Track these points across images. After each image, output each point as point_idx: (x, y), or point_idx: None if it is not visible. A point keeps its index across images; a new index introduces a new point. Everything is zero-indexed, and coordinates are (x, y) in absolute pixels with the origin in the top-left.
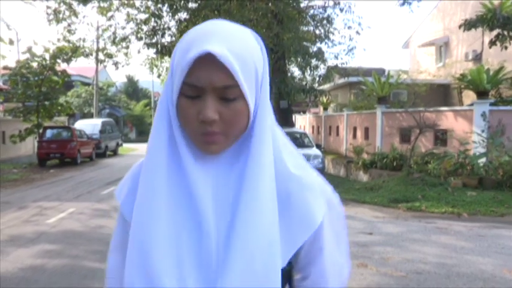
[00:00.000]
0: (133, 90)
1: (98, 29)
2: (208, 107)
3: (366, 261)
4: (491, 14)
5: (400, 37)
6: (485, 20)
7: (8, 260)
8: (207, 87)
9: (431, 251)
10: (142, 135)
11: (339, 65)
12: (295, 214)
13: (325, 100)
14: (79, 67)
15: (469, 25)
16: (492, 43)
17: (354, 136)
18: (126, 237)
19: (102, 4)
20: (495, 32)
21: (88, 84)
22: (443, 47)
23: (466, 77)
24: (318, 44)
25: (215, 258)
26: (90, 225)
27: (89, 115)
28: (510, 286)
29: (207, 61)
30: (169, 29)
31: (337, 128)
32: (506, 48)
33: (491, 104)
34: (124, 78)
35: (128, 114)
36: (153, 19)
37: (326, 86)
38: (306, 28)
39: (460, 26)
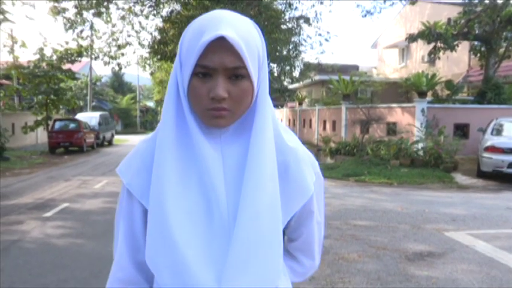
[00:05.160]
0: (119, 84)
1: (92, 28)
2: (219, 86)
3: None
4: (428, 31)
5: (372, 37)
6: (424, 35)
7: (88, 204)
8: (218, 68)
9: (359, 201)
10: (128, 127)
11: (313, 63)
12: (293, 184)
13: (300, 96)
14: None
15: (411, 39)
16: (430, 53)
17: (324, 128)
18: (132, 210)
19: (101, 9)
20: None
21: (76, 79)
22: (405, 50)
23: (410, 80)
24: (291, 52)
25: (227, 222)
26: None
27: (78, 109)
28: (398, 216)
29: (219, 45)
30: (172, 40)
31: (310, 120)
32: (439, 58)
33: (429, 102)
34: (109, 72)
35: (115, 108)
36: (157, 32)
37: (301, 83)
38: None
39: (405, 39)
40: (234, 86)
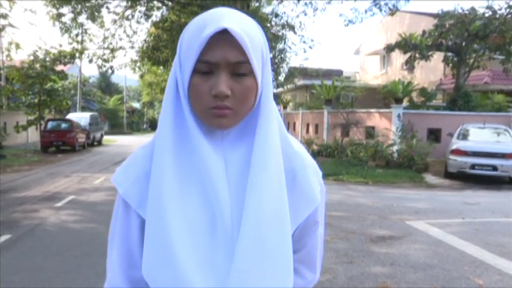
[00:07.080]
0: (106, 85)
1: (83, 31)
2: (221, 82)
3: None
4: (404, 41)
5: (355, 44)
6: (401, 46)
7: (93, 196)
8: (221, 63)
9: (336, 197)
10: (115, 128)
11: (298, 68)
12: (299, 192)
13: (284, 100)
14: None
15: (389, 49)
16: (407, 62)
17: (307, 131)
18: (127, 222)
19: (95, 13)
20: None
21: (66, 80)
22: (385, 57)
23: (387, 87)
24: (277, 58)
25: (231, 233)
26: None
27: (66, 109)
28: (369, 208)
29: (221, 39)
30: (165, 47)
31: (294, 124)
32: (414, 67)
33: (405, 108)
34: (96, 73)
35: (102, 108)
36: (150, 37)
37: (286, 88)
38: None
39: (384, 49)
40: (238, 84)
